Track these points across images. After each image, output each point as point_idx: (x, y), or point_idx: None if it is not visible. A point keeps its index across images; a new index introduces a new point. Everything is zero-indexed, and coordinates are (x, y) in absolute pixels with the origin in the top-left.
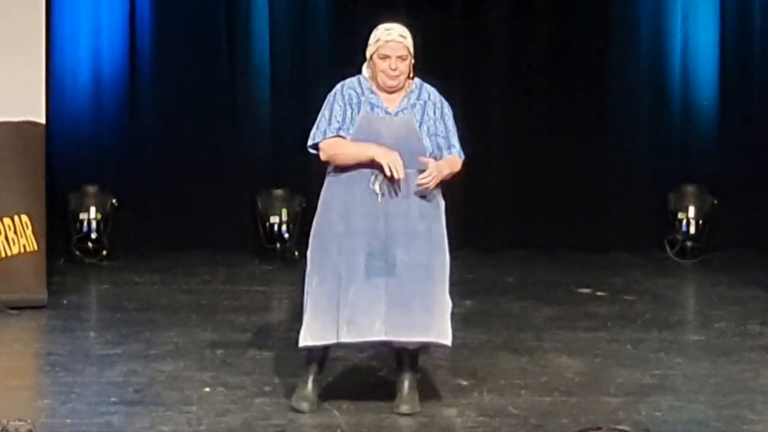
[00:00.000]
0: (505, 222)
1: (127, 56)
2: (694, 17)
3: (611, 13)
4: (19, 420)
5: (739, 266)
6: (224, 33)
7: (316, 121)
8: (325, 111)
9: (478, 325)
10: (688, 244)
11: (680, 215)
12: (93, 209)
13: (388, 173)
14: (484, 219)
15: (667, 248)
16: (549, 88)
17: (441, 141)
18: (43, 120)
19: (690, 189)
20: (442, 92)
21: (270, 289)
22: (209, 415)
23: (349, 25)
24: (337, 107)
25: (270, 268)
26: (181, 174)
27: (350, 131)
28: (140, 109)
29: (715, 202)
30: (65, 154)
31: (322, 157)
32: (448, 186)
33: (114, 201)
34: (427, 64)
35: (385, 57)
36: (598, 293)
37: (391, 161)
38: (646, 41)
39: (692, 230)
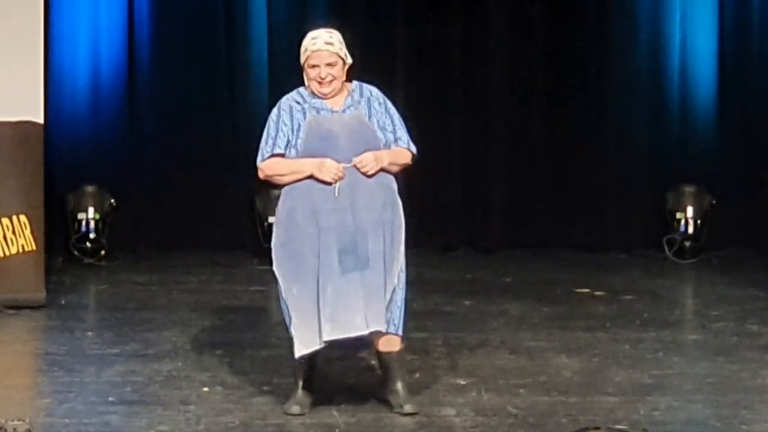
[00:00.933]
0: (503, 222)
1: (126, 56)
2: (693, 17)
3: (610, 14)
4: (18, 419)
5: (738, 266)
6: (222, 33)
7: (261, 140)
8: (265, 131)
9: (477, 324)
10: (687, 243)
11: (678, 215)
12: (91, 209)
13: (333, 182)
14: (483, 219)
15: (666, 248)
16: (547, 87)
17: (389, 135)
18: (41, 120)
19: (688, 189)
20: (441, 91)
21: (268, 289)
22: (208, 414)
23: (347, 27)
24: (272, 125)
25: (268, 267)
26: (179, 174)
27: (297, 138)
28: (139, 110)
29: (714, 201)
30: (64, 154)
31: (260, 176)
32: (447, 185)
33: (112, 201)
34: (426, 66)
35: (314, 66)
36: (597, 293)
37: (328, 171)
38: (644, 41)
39: (690, 230)
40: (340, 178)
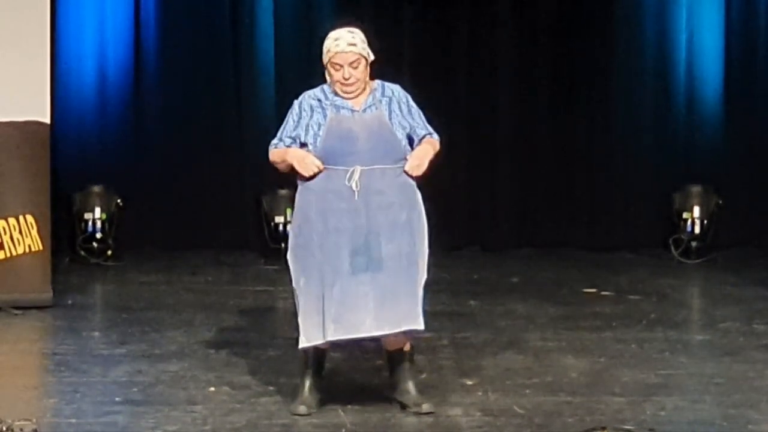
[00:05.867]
0: (510, 221)
1: (132, 56)
2: (699, 17)
3: (616, 12)
4: (24, 419)
5: (744, 266)
6: (229, 32)
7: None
8: (284, 122)
9: (483, 324)
10: (693, 243)
11: (685, 215)
12: (98, 209)
13: (302, 172)
14: (489, 218)
15: (672, 248)
16: (553, 87)
17: (421, 131)
18: (48, 120)
19: (695, 189)
20: (446, 92)
21: (275, 289)
22: (214, 414)
23: (352, 25)
24: (290, 121)
25: (275, 267)
26: (185, 174)
27: (318, 137)
28: (145, 109)
29: (720, 201)
30: (70, 154)
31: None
32: (453, 185)
33: (119, 201)
34: (432, 64)
35: (339, 66)
36: (603, 293)
37: (307, 166)
38: (650, 40)
39: (697, 230)
40: (316, 174)
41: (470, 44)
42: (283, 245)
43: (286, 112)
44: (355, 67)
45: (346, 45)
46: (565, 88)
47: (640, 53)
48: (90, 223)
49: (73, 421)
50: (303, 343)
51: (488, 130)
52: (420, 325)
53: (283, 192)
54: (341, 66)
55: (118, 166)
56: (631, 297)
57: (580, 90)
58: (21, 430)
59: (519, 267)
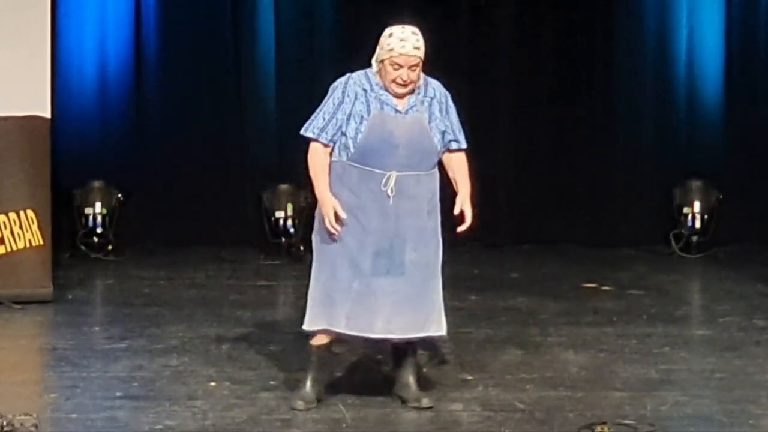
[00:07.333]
0: (510, 217)
1: (133, 51)
2: (700, 12)
3: (616, 8)
4: (25, 415)
5: (745, 261)
6: (230, 28)
7: (317, 110)
8: (324, 103)
9: (484, 320)
10: (694, 238)
11: (686, 210)
12: (98, 204)
13: (327, 225)
14: (490, 214)
15: (673, 243)
16: (554, 83)
17: (448, 136)
18: (48, 115)
19: (695, 184)
20: (447, 88)
21: (275, 284)
22: (214, 409)
23: (354, 22)
24: (331, 105)
25: (275, 262)
26: (186, 169)
27: (359, 132)
28: (146, 105)
29: (721, 196)
30: (71, 149)
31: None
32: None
33: (119, 196)
34: (433, 62)
35: (398, 67)
36: (604, 288)
37: (330, 222)
38: (651, 36)
39: (697, 225)
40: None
41: (472, 43)
42: (283, 240)
43: (287, 109)
44: (414, 70)
45: (412, 48)
46: (566, 83)
47: (640, 49)
48: (90, 218)
49: (74, 416)
50: (306, 326)
51: (488, 126)
52: (443, 331)
53: (284, 187)
54: (401, 66)
55: (118, 161)
56: (632, 292)
57: (581, 86)
58: (21, 425)
59: (519, 262)
